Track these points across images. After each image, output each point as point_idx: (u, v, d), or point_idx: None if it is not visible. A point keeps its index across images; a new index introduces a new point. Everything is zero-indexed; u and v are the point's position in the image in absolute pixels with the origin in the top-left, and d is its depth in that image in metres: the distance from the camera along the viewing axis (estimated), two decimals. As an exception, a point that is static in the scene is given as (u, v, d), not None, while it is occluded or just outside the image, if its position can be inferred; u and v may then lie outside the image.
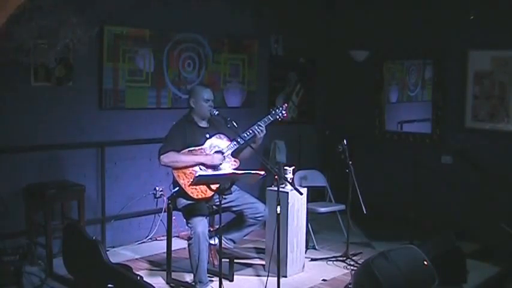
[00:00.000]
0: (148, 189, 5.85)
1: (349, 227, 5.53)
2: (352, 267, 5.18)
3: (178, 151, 4.45)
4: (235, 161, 4.64)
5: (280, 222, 4.21)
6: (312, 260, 5.41)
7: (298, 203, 5.01)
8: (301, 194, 4.65)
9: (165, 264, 4.82)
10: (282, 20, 6.97)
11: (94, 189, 5.48)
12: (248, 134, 4.58)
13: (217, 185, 4.20)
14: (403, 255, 4.37)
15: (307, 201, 5.20)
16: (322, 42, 7.42)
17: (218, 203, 4.12)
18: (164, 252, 4.84)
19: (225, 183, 4.23)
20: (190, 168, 4.44)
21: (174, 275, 4.75)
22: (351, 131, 6.63)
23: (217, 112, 4.58)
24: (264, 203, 4.79)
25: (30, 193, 4.99)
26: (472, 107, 6.21)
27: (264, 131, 4.63)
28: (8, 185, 4.93)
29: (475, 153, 6.16)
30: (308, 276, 5.02)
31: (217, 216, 4.39)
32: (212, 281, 4.49)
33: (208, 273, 4.46)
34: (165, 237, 4.81)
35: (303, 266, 5.15)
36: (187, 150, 4.49)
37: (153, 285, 3.99)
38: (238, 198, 4.61)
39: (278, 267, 4.21)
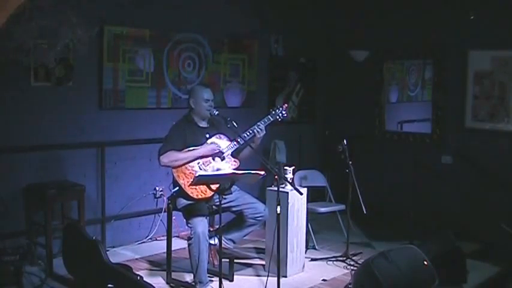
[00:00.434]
0: (148, 189, 5.86)
1: (349, 227, 5.53)
2: (352, 267, 5.18)
3: (178, 151, 4.45)
4: (235, 161, 4.64)
5: (280, 222, 4.21)
6: (312, 260, 5.41)
7: (298, 203, 5.01)
8: (301, 194, 4.65)
9: (165, 264, 4.82)
10: (282, 20, 6.97)
11: (94, 189, 5.48)
12: (248, 134, 4.58)
13: (217, 185, 4.20)
14: (403, 255, 4.37)
15: (307, 201, 5.20)
16: (322, 42, 7.42)
17: (218, 203, 4.12)
18: (164, 252, 4.84)
19: (225, 183, 4.24)
20: (190, 168, 4.44)
21: (174, 275, 4.75)
22: (351, 131, 6.64)
23: (217, 112, 4.58)
24: (264, 203, 4.79)
25: (30, 193, 4.99)
26: (472, 107, 6.21)
27: (264, 131, 4.63)
28: (8, 185, 4.93)
29: (475, 153, 6.16)
30: (308, 276, 5.02)
31: (217, 216, 4.39)
32: (212, 281, 4.49)
33: (208, 273, 4.46)
34: (165, 237, 4.81)
35: (303, 266, 5.15)
36: (186, 150, 4.48)
37: (153, 285, 3.99)
38: (238, 198, 4.61)
39: (278, 267, 4.21)
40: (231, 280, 4.79)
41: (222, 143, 4.62)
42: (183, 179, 4.40)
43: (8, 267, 4.29)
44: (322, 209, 5.83)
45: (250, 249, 5.64)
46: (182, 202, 4.49)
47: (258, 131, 4.59)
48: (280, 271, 4.27)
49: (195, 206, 4.44)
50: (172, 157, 4.41)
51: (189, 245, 4.39)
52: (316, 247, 5.76)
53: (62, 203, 5.20)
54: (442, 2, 6.33)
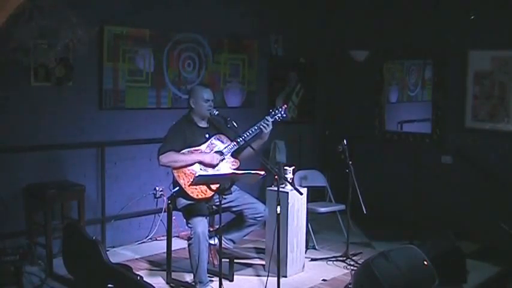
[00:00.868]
0: (148, 189, 5.85)
1: (349, 227, 5.53)
2: (352, 267, 5.18)
3: (178, 151, 4.45)
4: (235, 161, 4.63)
5: (280, 222, 4.21)
6: (312, 260, 5.41)
7: (298, 203, 5.01)
8: (301, 194, 4.64)
9: (165, 264, 4.82)
10: (282, 20, 6.97)
11: (94, 189, 5.48)
12: (248, 134, 4.57)
13: (217, 185, 4.20)
14: (403, 255, 4.37)
15: (307, 201, 5.20)
16: (322, 42, 7.41)
17: (218, 203, 4.12)
18: (164, 252, 4.84)
19: (225, 183, 4.23)
20: (190, 168, 4.44)
21: (174, 275, 4.75)
22: (351, 131, 6.64)
23: (217, 112, 4.58)
24: (264, 203, 4.79)
25: (30, 193, 4.99)
26: (472, 107, 6.21)
27: (271, 126, 4.62)
28: (8, 185, 4.93)
29: (475, 153, 6.16)
30: (308, 276, 5.02)
31: (217, 216, 4.39)
32: (212, 281, 4.49)
33: (208, 273, 4.46)
34: (165, 237, 4.81)
35: (303, 266, 5.15)
36: (186, 150, 4.49)
37: (153, 285, 4.00)
38: (238, 198, 4.61)
39: (278, 267, 4.21)
40: (231, 280, 4.79)
41: (222, 143, 4.62)
42: (183, 179, 4.40)
43: (8, 267, 4.29)
44: (322, 209, 5.83)
45: (250, 249, 5.63)
46: (182, 202, 4.49)
47: (264, 127, 4.58)
48: (280, 271, 4.27)
49: (195, 206, 4.44)
50: (171, 158, 4.41)
51: (189, 245, 4.39)
52: (316, 247, 5.76)
53: (62, 203, 5.20)
54: (442, 2, 6.32)
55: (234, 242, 4.67)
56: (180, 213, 4.59)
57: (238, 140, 4.57)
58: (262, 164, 4.65)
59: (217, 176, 4.32)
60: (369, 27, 6.94)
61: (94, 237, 4.50)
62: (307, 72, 7.38)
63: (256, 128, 4.59)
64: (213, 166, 4.52)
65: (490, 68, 6.06)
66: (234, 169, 4.52)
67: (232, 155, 4.63)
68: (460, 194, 6.18)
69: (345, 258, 5.40)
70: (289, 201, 4.89)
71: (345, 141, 5.53)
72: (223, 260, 4.21)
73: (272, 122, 4.67)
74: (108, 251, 5.11)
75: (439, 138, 6.50)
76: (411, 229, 5.74)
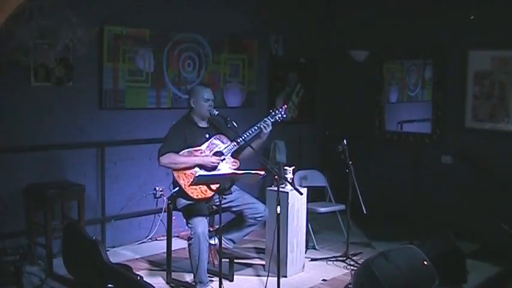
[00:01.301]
0: (148, 189, 5.85)
1: (349, 227, 5.53)
2: (352, 267, 5.18)
3: (178, 152, 4.45)
4: (235, 161, 4.63)
5: (280, 222, 4.21)
6: (312, 260, 5.41)
7: (298, 203, 5.01)
8: (301, 194, 4.65)
9: (165, 264, 4.82)
10: (282, 20, 6.97)
11: (94, 189, 5.48)
12: (248, 134, 4.58)
13: (217, 185, 4.20)
14: (403, 255, 4.37)
15: (307, 201, 5.20)
16: (322, 42, 7.41)
17: (218, 203, 4.12)
18: (164, 252, 4.84)
19: (225, 183, 4.23)
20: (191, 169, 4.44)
21: (174, 275, 4.75)
22: (351, 131, 6.64)
23: (217, 112, 4.58)
24: (264, 203, 4.79)
25: (30, 193, 4.99)
26: (472, 107, 6.21)
27: (271, 127, 4.62)
28: (8, 185, 4.92)
29: (475, 153, 6.16)
30: (308, 276, 5.02)
31: (217, 216, 4.39)
32: (212, 281, 4.49)
33: (208, 273, 4.46)
34: (165, 237, 4.81)
35: (303, 266, 5.15)
36: (186, 151, 4.49)
37: (153, 285, 3.99)
38: (238, 198, 4.61)
39: (278, 267, 4.21)
40: (231, 280, 4.79)
41: (222, 143, 4.62)
42: (183, 179, 4.40)
43: (8, 267, 4.29)
44: (322, 209, 5.83)
45: (250, 249, 5.63)
46: (182, 202, 4.49)
47: (264, 127, 4.58)
48: (280, 271, 4.27)
49: (195, 206, 4.44)
50: (171, 159, 4.41)
51: (189, 245, 4.39)
52: (316, 247, 5.76)
53: (62, 203, 5.20)
54: (442, 2, 6.32)
55: (234, 242, 4.67)
56: (180, 213, 4.59)
57: (238, 140, 4.57)
58: (262, 164, 4.65)
59: (217, 176, 4.32)
60: (369, 27, 6.94)
61: (94, 237, 4.49)
62: (307, 72, 7.38)
63: (256, 128, 4.59)
64: (213, 169, 4.52)
65: (490, 68, 6.06)
66: (234, 169, 4.52)
67: (232, 155, 4.63)
68: (460, 194, 6.18)
69: (345, 258, 5.40)
70: (289, 201, 4.89)
71: (345, 141, 5.53)
72: (223, 260, 4.21)
73: (272, 122, 4.68)
74: (108, 251, 5.10)
75: (439, 138, 6.50)
76: (411, 229, 5.74)
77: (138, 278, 4.34)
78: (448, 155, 6.35)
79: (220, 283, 4.09)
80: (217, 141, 4.62)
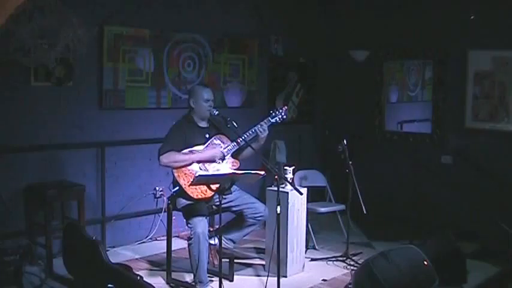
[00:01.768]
0: (148, 189, 5.85)
1: (349, 227, 5.53)
2: (352, 267, 5.18)
3: (178, 151, 4.45)
4: (235, 161, 4.63)
5: (280, 222, 4.21)
6: (312, 260, 5.41)
7: (298, 203, 5.01)
8: (301, 194, 4.65)
9: (165, 264, 4.82)
10: (282, 20, 6.97)
11: (94, 189, 5.48)
12: (248, 134, 4.58)
13: (217, 185, 4.20)
14: (403, 255, 4.37)
15: (307, 201, 5.20)
16: (322, 42, 7.41)
17: (218, 203, 4.12)
18: (164, 252, 4.84)
19: (225, 183, 4.23)
20: (190, 168, 4.44)
21: (174, 275, 4.75)
22: (351, 131, 6.63)
23: (217, 112, 4.58)
24: (264, 203, 4.79)
25: (30, 193, 4.99)
26: (472, 107, 6.21)
27: (267, 131, 4.62)
28: (8, 185, 4.92)
29: (475, 153, 6.16)
30: (308, 276, 5.01)
31: (217, 216, 4.39)
32: (212, 281, 4.49)
33: (208, 273, 4.46)
34: (165, 237, 4.81)
35: (303, 266, 5.15)
36: (187, 150, 4.49)
37: (153, 285, 4.00)
38: (238, 198, 4.61)
39: (278, 267, 4.21)
40: (231, 280, 4.78)
41: (222, 143, 4.62)
42: (183, 179, 4.40)
43: (8, 267, 4.29)
44: (322, 209, 5.83)
45: (250, 249, 5.63)
46: (182, 202, 4.49)
47: (260, 131, 4.59)
48: (280, 271, 4.27)
49: (195, 206, 4.44)
50: (172, 158, 4.41)
51: (189, 245, 4.39)
52: (316, 247, 5.75)
53: (62, 203, 5.20)
54: (443, 2, 6.32)
55: (234, 242, 4.67)
56: (180, 213, 4.59)
57: (239, 141, 4.57)
58: (262, 164, 4.65)
59: (217, 176, 4.32)
60: (369, 27, 6.94)
61: (94, 237, 4.50)
62: (307, 72, 7.39)
63: (252, 131, 4.59)
64: (215, 160, 4.51)
65: (490, 68, 6.06)
66: (234, 169, 4.52)
67: (232, 156, 4.63)
68: (460, 194, 6.18)
69: (345, 258, 5.40)
70: (289, 201, 4.89)
71: (345, 141, 5.53)
72: (223, 260, 4.21)
73: (272, 123, 4.68)
74: (108, 251, 5.11)
75: (439, 138, 6.50)
76: (411, 229, 5.74)
77: (138, 278, 4.34)
78: (448, 155, 6.35)
79: (220, 283, 4.09)
80: (217, 141, 4.62)
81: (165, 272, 4.78)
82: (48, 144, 5.15)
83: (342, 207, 5.85)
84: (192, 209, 4.43)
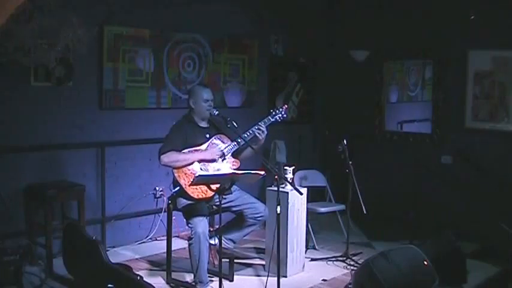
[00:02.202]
0: (148, 189, 5.86)
1: (349, 227, 5.53)
2: (352, 267, 5.18)
3: (179, 151, 4.45)
4: (235, 161, 4.64)
5: (280, 222, 4.21)
6: (312, 260, 5.41)
7: (298, 203, 5.01)
8: (301, 194, 4.65)
9: (165, 264, 4.82)
10: (282, 20, 6.97)
11: (94, 189, 5.48)
12: (248, 134, 4.58)
13: (218, 185, 4.20)
14: (403, 255, 4.37)
15: (307, 201, 5.20)
16: (322, 42, 7.41)
17: (218, 203, 4.12)
18: (164, 252, 4.84)
19: (225, 183, 4.23)
20: (191, 168, 4.44)
21: (174, 275, 4.75)
22: (351, 131, 6.63)
23: (217, 112, 4.59)
24: (264, 203, 4.79)
25: (30, 193, 4.99)
26: (472, 107, 6.21)
27: (265, 132, 4.63)
28: (8, 185, 4.92)
29: (475, 153, 6.16)
30: (308, 276, 5.01)
31: (217, 216, 4.39)
32: (212, 281, 4.49)
33: (208, 273, 4.46)
34: (165, 237, 4.81)
35: (303, 266, 5.15)
36: (187, 150, 4.49)
37: (153, 285, 4.00)
38: (238, 198, 4.61)
39: (278, 267, 4.21)
40: (231, 280, 4.78)
41: (222, 143, 4.62)
42: (184, 179, 4.40)
43: (8, 267, 4.29)
44: (322, 209, 5.83)
45: (250, 249, 5.63)
46: (182, 202, 4.49)
47: (259, 132, 4.59)
48: (280, 271, 4.27)
49: (195, 206, 4.44)
50: (172, 158, 4.41)
51: (189, 245, 4.39)
52: (316, 247, 5.75)
53: (62, 203, 5.20)
54: (442, 2, 6.32)
55: (234, 242, 4.67)
56: (180, 213, 4.59)
57: (239, 140, 4.57)
58: (262, 164, 4.65)
59: (217, 176, 4.32)
60: (369, 27, 6.94)
61: (94, 237, 4.50)
62: (307, 72, 7.39)
63: (251, 132, 4.59)
64: (215, 160, 4.51)
65: (490, 68, 6.06)
66: (234, 169, 4.52)
67: (232, 155, 4.63)
68: (460, 194, 6.18)
69: (345, 258, 5.40)
70: (289, 201, 4.89)
71: (345, 141, 5.53)
72: (223, 260, 4.21)
73: (272, 122, 4.68)
74: (108, 251, 5.11)
75: (439, 138, 6.50)
76: (411, 229, 5.74)
77: (138, 278, 4.34)
78: (448, 155, 6.35)
79: (220, 283, 4.09)
80: (217, 141, 4.62)
81: (165, 272, 4.78)
82: (48, 144, 5.15)
83: (342, 207, 5.85)
84: (193, 209, 4.44)
